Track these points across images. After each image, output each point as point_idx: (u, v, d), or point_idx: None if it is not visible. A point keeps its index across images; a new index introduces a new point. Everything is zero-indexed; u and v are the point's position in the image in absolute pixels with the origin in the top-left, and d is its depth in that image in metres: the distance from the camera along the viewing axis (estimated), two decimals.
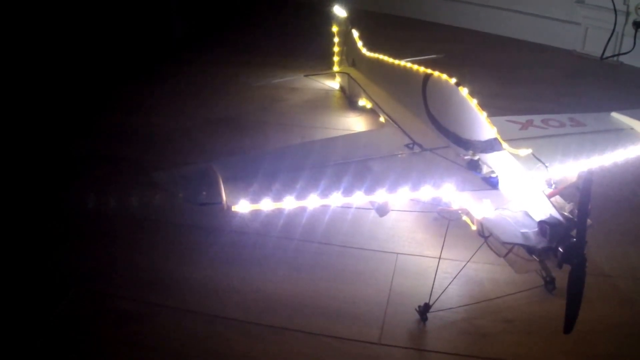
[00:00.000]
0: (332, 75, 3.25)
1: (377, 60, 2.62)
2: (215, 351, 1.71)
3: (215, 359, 1.69)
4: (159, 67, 3.70)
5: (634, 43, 3.56)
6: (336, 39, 3.12)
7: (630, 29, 3.56)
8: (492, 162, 1.74)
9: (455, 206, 1.78)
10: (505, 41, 4.07)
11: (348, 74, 2.95)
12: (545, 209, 1.54)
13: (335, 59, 3.15)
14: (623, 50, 3.65)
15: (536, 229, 1.51)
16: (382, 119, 2.43)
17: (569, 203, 1.62)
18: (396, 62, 2.37)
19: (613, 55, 3.69)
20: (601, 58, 3.71)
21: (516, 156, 1.78)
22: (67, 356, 1.71)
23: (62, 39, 3.50)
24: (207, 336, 1.76)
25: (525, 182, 1.67)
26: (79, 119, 3.06)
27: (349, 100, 3.05)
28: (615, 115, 2.16)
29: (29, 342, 1.74)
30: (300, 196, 1.61)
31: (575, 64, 3.69)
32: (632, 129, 2.10)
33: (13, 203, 2.35)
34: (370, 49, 2.82)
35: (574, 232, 1.46)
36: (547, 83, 3.38)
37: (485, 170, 1.72)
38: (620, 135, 2.06)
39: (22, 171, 2.59)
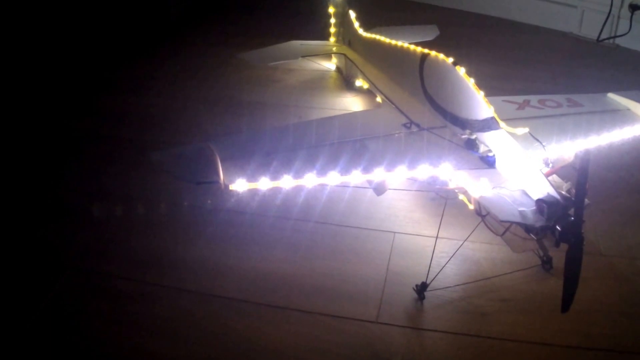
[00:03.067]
0: (329, 56, 3.23)
1: (374, 41, 2.61)
2: (212, 331, 1.71)
3: (212, 338, 1.69)
4: (157, 48, 3.69)
5: (630, 26, 3.55)
6: (333, 20, 3.10)
7: (626, 12, 3.55)
8: (489, 141, 1.73)
9: (452, 185, 1.78)
10: (502, 23, 4.06)
11: (345, 55, 2.94)
12: (542, 188, 1.54)
13: (332, 39, 3.14)
14: (619, 33, 3.64)
15: (534, 208, 1.51)
16: (379, 99, 2.43)
17: (566, 182, 1.63)
18: (393, 42, 2.36)
19: (609, 38, 3.68)
20: (597, 40, 3.70)
21: (513, 135, 1.78)
22: (63, 336, 1.71)
23: (61, 21, 3.49)
24: (203, 315, 1.76)
25: (523, 161, 1.66)
26: (79, 100, 3.05)
27: (345, 81, 3.04)
28: (611, 96, 2.16)
29: (24, 322, 1.74)
30: (298, 175, 1.61)
31: (571, 46, 3.69)
32: (628, 109, 2.10)
33: (11, 183, 2.34)
34: (367, 30, 2.82)
35: (571, 211, 1.46)
36: (544, 65, 3.37)
37: (482, 149, 1.72)
38: (617, 116, 2.06)
39: (21, 151, 2.58)
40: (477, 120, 1.78)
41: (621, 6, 3.55)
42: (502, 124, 1.79)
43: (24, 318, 1.75)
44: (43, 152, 2.59)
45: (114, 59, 3.49)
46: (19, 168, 2.45)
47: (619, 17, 3.60)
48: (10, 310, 1.79)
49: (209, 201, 2.11)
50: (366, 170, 1.65)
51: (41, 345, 1.68)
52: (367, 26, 2.85)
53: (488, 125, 1.77)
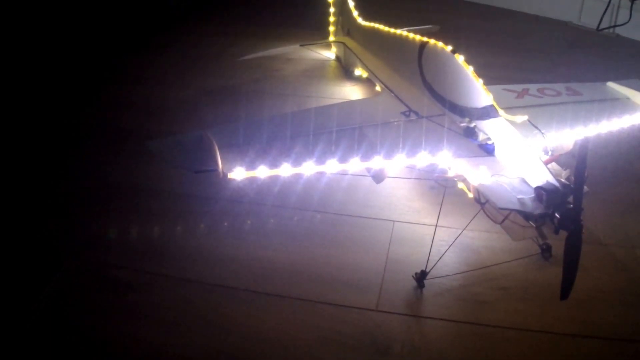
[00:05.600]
0: (328, 45, 3.23)
1: (373, 30, 2.60)
2: (211, 319, 1.71)
3: (211, 327, 1.69)
4: (156, 38, 3.69)
5: (630, 15, 3.55)
6: (332, 9, 3.10)
7: (626, 1, 3.55)
8: (488, 129, 1.73)
9: (451, 173, 1.78)
10: (501, 12, 4.06)
11: (344, 44, 2.93)
12: (541, 176, 1.54)
13: (331, 28, 3.13)
14: (619, 22, 3.64)
15: (533, 195, 1.51)
16: (378, 88, 2.42)
17: (565, 170, 1.62)
18: (392, 30, 2.36)
19: (609, 27, 3.68)
20: (597, 29, 3.70)
21: (513, 123, 1.77)
22: (62, 325, 1.71)
23: (60, 12, 3.49)
24: (202, 304, 1.76)
25: (522, 149, 1.66)
26: (78, 91, 3.05)
27: (345, 70, 3.04)
28: (611, 85, 2.16)
29: (24, 312, 1.73)
30: (296, 163, 1.61)
31: (571, 35, 3.68)
32: (628, 98, 2.10)
33: (12, 174, 2.34)
34: (366, 19, 2.81)
35: (570, 199, 1.46)
36: (543, 54, 3.37)
37: (481, 137, 1.71)
38: (616, 104, 2.06)
39: (22, 142, 2.58)
40: (476, 108, 1.78)
41: None
42: (501, 111, 1.79)
43: (23, 307, 1.75)
44: (43, 142, 2.59)
45: (113, 49, 3.49)
46: (20, 159, 2.45)
47: (618, 7, 3.61)
48: (9, 300, 1.78)
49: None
50: (365, 158, 1.65)
51: (40, 334, 1.68)
52: (366, 15, 2.84)
53: (487, 113, 1.77)
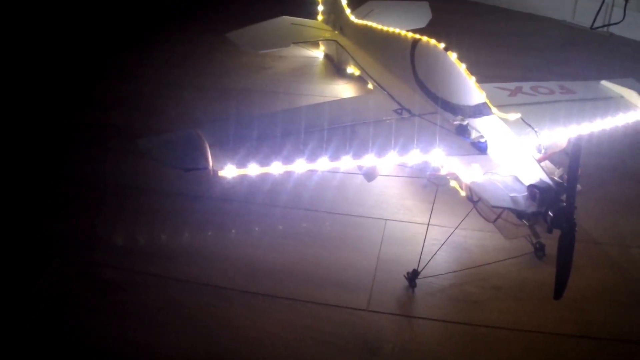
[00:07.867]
0: (320, 43, 3.22)
1: (365, 27, 2.59)
2: (200, 320, 1.70)
3: (200, 327, 1.68)
4: (145, 35, 3.67)
5: (624, 14, 3.54)
6: (321, 7, 3.09)
7: (620, 0, 3.54)
8: (481, 126, 1.72)
9: (444, 172, 1.77)
10: (495, 11, 4.04)
11: (336, 41, 2.92)
12: (534, 174, 1.53)
13: (320, 17, 3.13)
14: (613, 21, 3.63)
15: (526, 193, 1.50)
16: (370, 85, 2.41)
17: (558, 168, 1.61)
18: (384, 28, 2.35)
19: (603, 26, 3.67)
20: (591, 28, 3.69)
21: (505, 121, 1.76)
22: (49, 325, 1.69)
23: (49, 10, 3.48)
24: (191, 304, 1.75)
25: (515, 147, 1.65)
26: (68, 89, 3.03)
27: (337, 68, 3.03)
28: (605, 83, 2.15)
29: (11, 311, 1.72)
30: (287, 161, 1.59)
31: (565, 34, 3.67)
32: (621, 97, 2.08)
33: (2, 173, 2.32)
34: (358, 16, 2.80)
35: (563, 197, 1.45)
36: (537, 52, 3.36)
37: (474, 135, 1.70)
38: (610, 103, 2.04)
39: (10, 139, 2.56)
40: (468, 106, 1.76)
41: None
42: (494, 109, 1.78)
43: (10, 307, 1.74)
44: (33, 141, 2.57)
45: (104, 47, 3.47)
46: (9, 158, 2.44)
47: (613, 5, 3.59)
48: None
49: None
50: (356, 156, 1.63)
51: (29, 334, 1.67)
52: (358, 13, 2.84)
53: (480, 110, 1.76)
